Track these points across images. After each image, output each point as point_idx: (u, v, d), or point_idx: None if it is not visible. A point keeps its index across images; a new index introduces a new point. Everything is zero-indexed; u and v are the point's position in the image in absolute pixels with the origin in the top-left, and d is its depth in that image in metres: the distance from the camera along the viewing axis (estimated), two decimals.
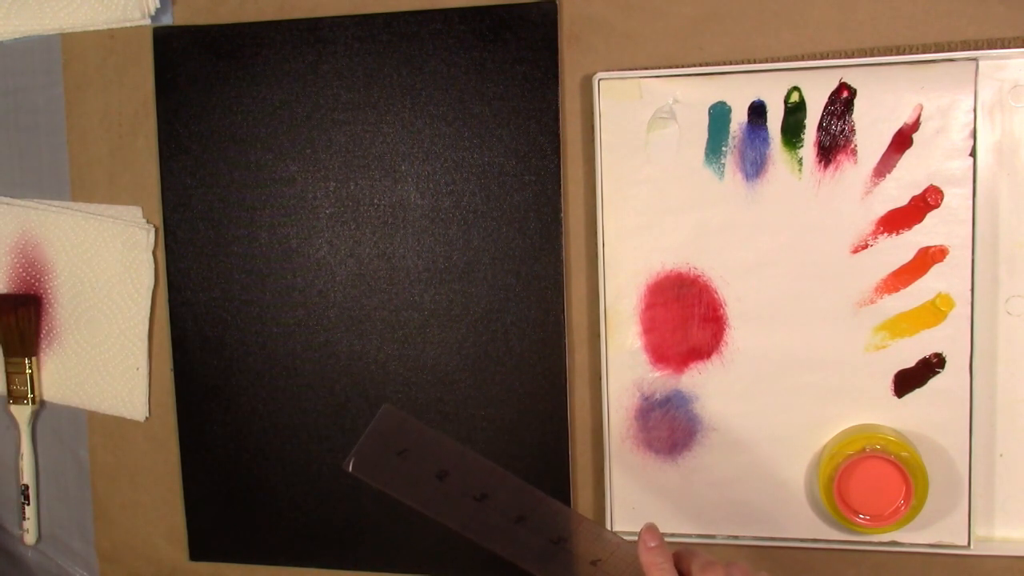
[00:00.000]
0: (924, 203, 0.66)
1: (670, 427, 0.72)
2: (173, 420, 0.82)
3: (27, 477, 0.85)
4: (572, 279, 0.73)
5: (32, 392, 0.83)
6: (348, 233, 0.76)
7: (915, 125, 0.66)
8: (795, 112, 0.67)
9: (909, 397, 0.68)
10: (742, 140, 0.68)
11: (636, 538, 0.58)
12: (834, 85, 0.67)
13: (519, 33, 0.72)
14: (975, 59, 0.64)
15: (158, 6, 0.78)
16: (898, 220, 0.67)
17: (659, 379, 0.72)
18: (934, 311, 0.67)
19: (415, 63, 0.74)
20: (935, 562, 0.70)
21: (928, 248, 0.66)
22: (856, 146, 0.67)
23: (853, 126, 0.67)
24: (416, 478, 0.57)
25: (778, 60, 0.68)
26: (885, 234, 0.67)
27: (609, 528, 0.73)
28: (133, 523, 0.84)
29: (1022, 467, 0.68)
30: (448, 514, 0.57)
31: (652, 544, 0.57)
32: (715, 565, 0.56)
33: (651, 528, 0.58)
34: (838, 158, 0.67)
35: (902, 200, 0.67)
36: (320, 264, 0.77)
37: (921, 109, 0.66)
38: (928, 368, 0.67)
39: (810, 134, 0.67)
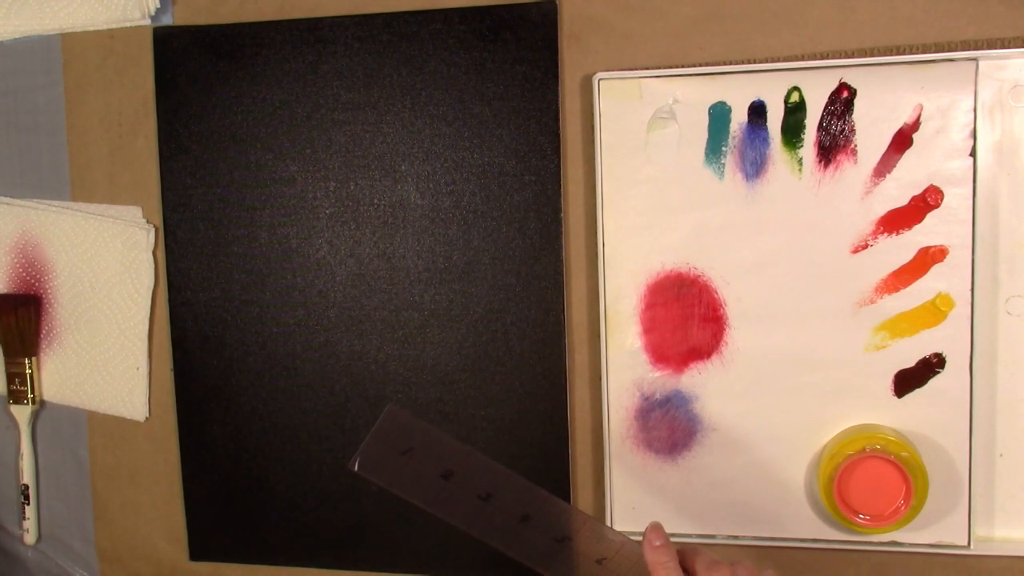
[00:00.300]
0: (924, 203, 0.66)
1: (670, 427, 0.72)
2: (173, 420, 0.82)
3: (27, 477, 0.85)
4: (572, 279, 0.73)
5: (32, 392, 0.83)
6: (348, 233, 0.76)
7: (915, 125, 0.66)
8: (795, 112, 0.67)
9: (909, 397, 0.68)
10: (742, 140, 0.68)
11: (640, 537, 0.58)
12: (834, 85, 0.67)
13: (519, 33, 0.72)
14: (975, 59, 0.64)
15: (158, 6, 0.78)
16: (898, 220, 0.67)
17: (659, 379, 0.72)
18: (934, 311, 0.67)
19: (415, 63, 0.74)
20: (935, 562, 0.70)
21: (928, 248, 0.66)
22: (856, 146, 0.67)
23: (853, 126, 0.67)
24: (421, 478, 0.57)
25: (778, 60, 0.68)
26: (885, 234, 0.67)
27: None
28: (133, 523, 0.84)
29: (1022, 467, 0.68)
30: (453, 513, 0.57)
31: (657, 543, 0.57)
32: (720, 565, 0.56)
33: (656, 527, 0.58)
34: (838, 158, 0.67)
35: (902, 200, 0.67)
36: (320, 264, 0.77)
37: (921, 109, 0.66)
38: (928, 368, 0.67)
39: (810, 134, 0.67)
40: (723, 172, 0.69)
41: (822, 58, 0.67)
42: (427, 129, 0.74)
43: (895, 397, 0.68)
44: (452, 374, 0.75)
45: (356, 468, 0.56)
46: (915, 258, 0.67)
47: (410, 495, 0.57)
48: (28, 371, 0.83)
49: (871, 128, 0.66)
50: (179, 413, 0.81)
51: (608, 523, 0.73)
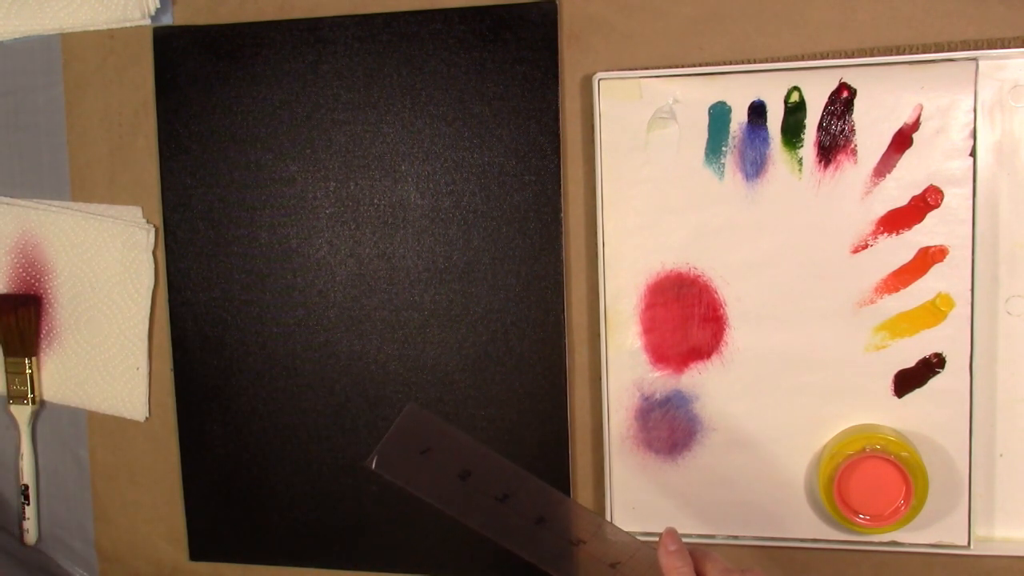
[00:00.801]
0: (924, 203, 0.66)
1: (670, 427, 0.72)
2: (173, 420, 0.82)
3: (27, 477, 0.85)
4: (572, 279, 0.73)
5: (32, 392, 0.83)
6: (348, 233, 0.76)
7: (915, 125, 0.66)
8: (795, 112, 0.67)
9: (909, 397, 0.68)
10: (742, 140, 0.68)
11: (647, 537, 0.58)
12: (834, 85, 0.67)
13: (519, 33, 0.72)
14: (975, 59, 0.64)
15: (158, 6, 0.78)
16: (898, 220, 0.67)
17: (659, 379, 0.72)
18: (934, 311, 0.67)
19: (415, 63, 0.74)
20: (935, 562, 0.70)
21: (928, 248, 0.66)
22: (856, 146, 0.67)
23: (853, 126, 0.67)
24: (439, 477, 0.57)
25: (778, 60, 0.68)
26: (885, 234, 0.67)
27: None
28: (133, 523, 0.84)
29: (1022, 467, 0.68)
30: (469, 514, 0.57)
31: (672, 548, 0.57)
32: (733, 572, 0.56)
33: (672, 532, 0.58)
34: (838, 158, 0.67)
35: (902, 200, 0.67)
36: (320, 264, 0.77)
37: (921, 109, 0.66)
38: (928, 368, 0.67)
39: (810, 134, 0.67)
40: (723, 172, 0.69)
41: (822, 58, 0.67)
42: (427, 129, 0.74)
43: (895, 397, 0.68)
44: (452, 374, 0.75)
45: (374, 466, 0.56)
46: (915, 258, 0.67)
47: (427, 494, 0.57)
48: (28, 371, 0.83)
49: (871, 128, 0.66)
50: (179, 413, 0.81)
51: None
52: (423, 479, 0.57)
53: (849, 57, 0.67)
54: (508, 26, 0.72)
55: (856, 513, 0.66)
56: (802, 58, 0.68)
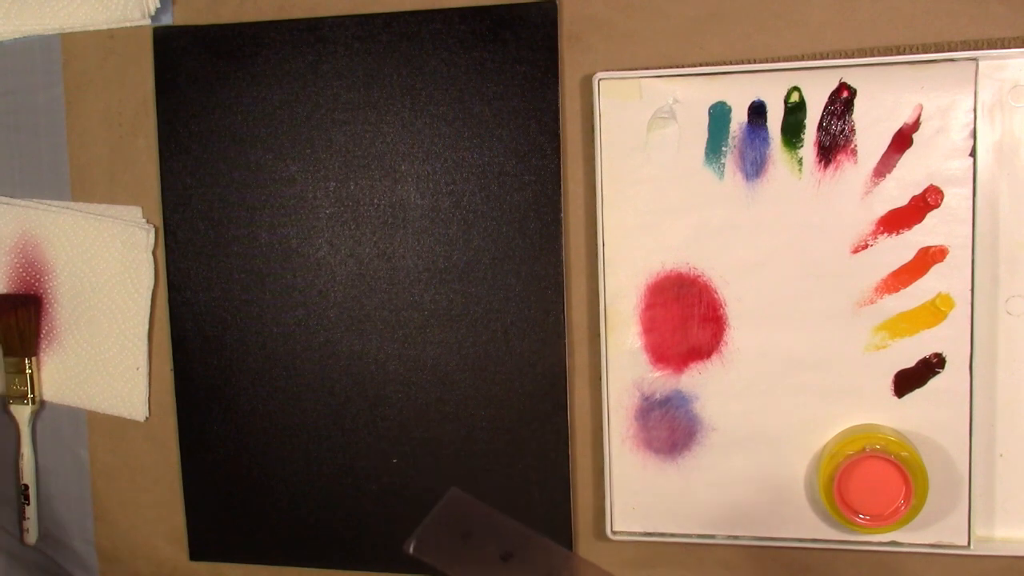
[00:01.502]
0: (924, 203, 0.66)
1: (670, 427, 0.72)
2: (173, 420, 0.82)
3: (27, 477, 0.85)
4: (572, 279, 0.73)
5: (32, 392, 0.83)
6: (348, 233, 0.76)
7: (915, 125, 0.66)
8: (795, 112, 0.67)
9: (909, 397, 0.68)
10: (742, 140, 0.68)
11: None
12: (834, 85, 0.67)
13: (519, 33, 0.72)
14: (975, 59, 0.64)
15: (158, 6, 0.78)
16: (898, 220, 0.67)
17: (659, 379, 0.72)
18: (934, 311, 0.67)
19: (415, 63, 0.74)
20: (935, 562, 0.70)
21: (928, 248, 0.67)
22: (856, 146, 0.67)
23: (853, 126, 0.67)
24: (479, 560, 0.57)
25: (778, 60, 0.68)
26: (885, 234, 0.67)
27: (609, 528, 0.73)
28: (133, 523, 0.84)
29: (1022, 467, 0.68)
30: None
31: None
32: None
33: None
34: (838, 158, 0.67)
35: (902, 200, 0.67)
36: (320, 264, 0.77)
37: (921, 109, 0.66)
38: (928, 368, 0.67)
39: (810, 134, 0.67)
40: (723, 172, 0.69)
41: (822, 58, 0.67)
42: (427, 129, 0.74)
43: (895, 397, 0.68)
44: (452, 374, 0.75)
45: (411, 550, 0.56)
46: (915, 258, 0.67)
47: None
48: (28, 371, 0.83)
49: (871, 128, 0.66)
50: (179, 413, 0.81)
51: (608, 523, 0.73)
52: (463, 562, 0.57)
53: (849, 57, 0.67)
54: (508, 26, 0.72)
55: (856, 513, 0.66)
56: (802, 58, 0.68)
